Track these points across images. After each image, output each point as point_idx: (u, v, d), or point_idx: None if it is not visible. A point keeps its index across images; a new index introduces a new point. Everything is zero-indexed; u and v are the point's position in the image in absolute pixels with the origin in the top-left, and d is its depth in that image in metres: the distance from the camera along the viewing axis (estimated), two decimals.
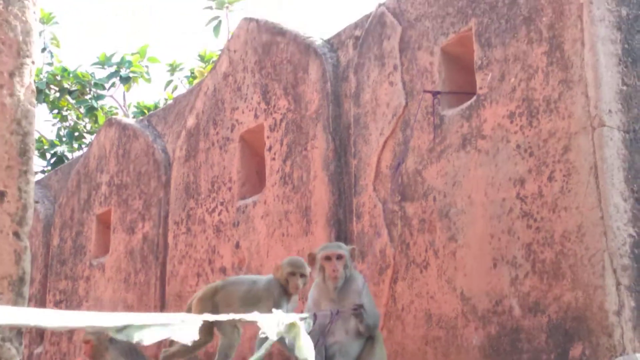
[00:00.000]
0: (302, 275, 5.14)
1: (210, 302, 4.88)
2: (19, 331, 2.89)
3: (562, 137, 5.15)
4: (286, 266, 5.07)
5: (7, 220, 2.89)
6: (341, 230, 6.42)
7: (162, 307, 7.63)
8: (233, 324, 4.35)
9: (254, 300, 4.48)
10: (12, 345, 2.88)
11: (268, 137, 7.10)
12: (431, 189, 5.83)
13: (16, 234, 2.91)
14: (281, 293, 5.04)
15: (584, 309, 4.81)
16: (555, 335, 4.91)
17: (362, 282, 5.06)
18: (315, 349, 4.75)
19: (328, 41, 7.06)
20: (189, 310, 4.40)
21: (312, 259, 5.12)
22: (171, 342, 4.26)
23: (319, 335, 4.86)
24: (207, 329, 4.26)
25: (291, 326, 3.40)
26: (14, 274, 2.90)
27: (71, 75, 14.66)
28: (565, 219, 5.01)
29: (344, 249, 5.12)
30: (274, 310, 3.87)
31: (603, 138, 4.95)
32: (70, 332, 8.46)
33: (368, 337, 5.03)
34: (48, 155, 15.24)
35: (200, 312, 4.23)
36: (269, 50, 7.28)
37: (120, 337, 2.46)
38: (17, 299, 2.83)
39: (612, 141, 4.97)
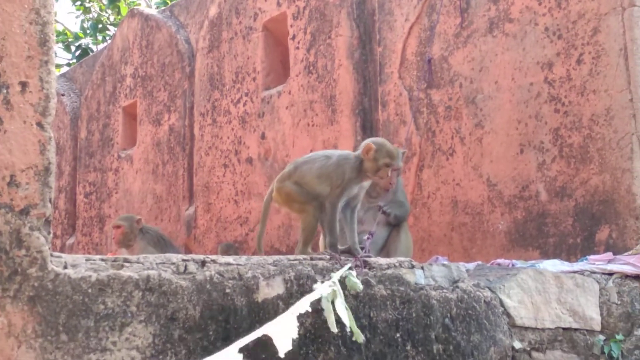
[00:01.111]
0: (397, 170, 4.67)
1: (291, 183, 4.12)
2: (47, 220, 2.93)
3: (591, 19, 5.02)
4: (384, 155, 4.04)
5: (30, 111, 2.89)
6: (366, 120, 6.39)
7: (190, 197, 7.70)
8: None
9: (325, 177, 4.08)
10: (41, 234, 2.92)
11: (291, 26, 6.99)
12: (457, 75, 5.75)
13: (40, 124, 2.91)
14: (355, 174, 4.06)
15: (611, 192, 4.79)
16: (582, 219, 4.91)
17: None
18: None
19: None
20: (267, 208, 4.22)
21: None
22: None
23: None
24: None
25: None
26: (39, 164, 2.91)
27: None
28: (594, 102, 4.94)
29: (401, 159, 4.81)
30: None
31: (633, 18, 4.83)
32: (102, 223, 8.60)
33: (394, 225, 5.06)
34: (73, 48, 15.19)
35: (287, 197, 4.08)
36: None
37: None
38: (43, 189, 2.85)
39: None
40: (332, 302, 3.28)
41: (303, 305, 3.11)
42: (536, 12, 5.32)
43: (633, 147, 4.71)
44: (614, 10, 4.91)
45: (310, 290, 3.38)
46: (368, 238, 4.41)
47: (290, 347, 2.86)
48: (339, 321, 3.40)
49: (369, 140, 4.12)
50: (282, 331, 2.90)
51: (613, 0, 4.91)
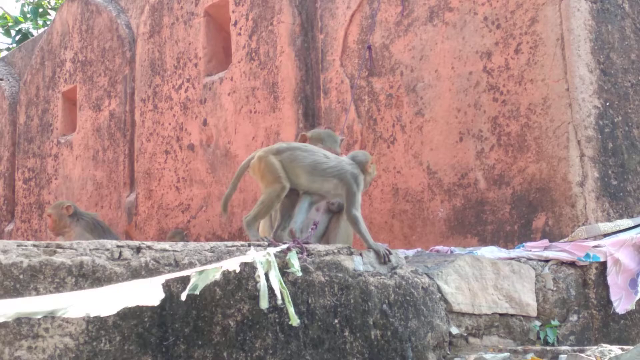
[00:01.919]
0: None
1: (275, 159, 4.13)
2: None
3: (529, 9, 5.08)
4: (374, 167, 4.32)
5: None
6: (308, 107, 6.38)
7: (131, 184, 7.62)
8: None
9: (317, 174, 4.06)
10: None
11: (233, 12, 6.94)
12: (398, 64, 5.77)
13: None
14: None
15: (547, 180, 4.86)
16: (519, 207, 4.97)
17: None
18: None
19: None
20: (241, 172, 4.19)
21: (303, 140, 4.88)
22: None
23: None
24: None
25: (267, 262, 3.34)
26: None
27: None
28: (531, 92, 5.00)
29: (339, 145, 5.07)
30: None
31: (570, 9, 4.90)
32: (41, 210, 8.46)
33: (335, 212, 5.06)
34: (13, 33, 14.87)
35: (265, 169, 4.04)
36: None
37: None
38: None
39: (579, 12, 4.91)
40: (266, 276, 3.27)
41: (232, 263, 3.10)
42: (475, 2, 5.36)
43: (569, 135, 4.78)
44: (551, 0, 4.97)
45: (249, 276, 3.37)
46: (312, 229, 4.41)
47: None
48: (277, 307, 3.40)
49: (365, 155, 4.25)
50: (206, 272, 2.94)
51: None
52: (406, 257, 4.31)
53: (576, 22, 4.90)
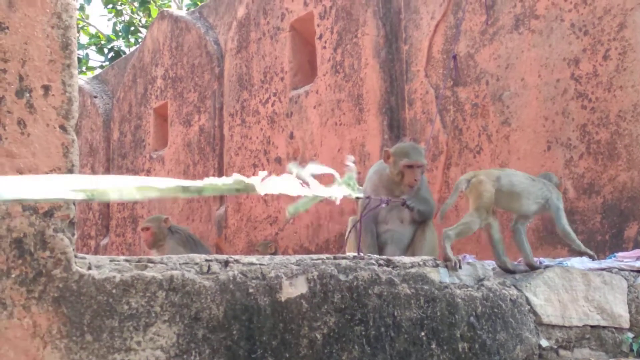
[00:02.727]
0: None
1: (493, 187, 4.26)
2: (71, 221, 2.97)
3: (617, 14, 4.98)
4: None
5: (52, 114, 2.93)
6: (393, 118, 6.38)
7: (220, 198, 7.75)
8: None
9: (532, 197, 4.37)
10: (65, 235, 2.96)
11: (318, 25, 7.01)
12: (484, 73, 5.73)
13: (62, 127, 2.95)
14: None
15: (639, 189, 4.74)
16: (610, 216, 4.87)
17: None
18: (367, 236, 4.82)
19: None
20: (458, 187, 4.40)
21: (387, 157, 4.93)
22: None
23: (371, 223, 4.90)
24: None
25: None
26: (62, 166, 2.95)
27: None
28: (621, 98, 4.90)
29: (424, 156, 4.96)
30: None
31: None
32: (135, 224, 8.68)
33: (419, 223, 5.03)
34: (105, 51, 15.34)
35: (481, 194, 4.25)
36: None
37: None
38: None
39: None
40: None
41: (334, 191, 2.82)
42: (562, 8, 5.28)
43: None
44: (639, 5, 4.87)
45: (335, 289, 3.40)
46: (384, 202, 4.45)
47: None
48: (363, 320, 3.41)
49: (555, 177, 4.51)
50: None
51: None
52: (493, 269, 4.27)
53: None
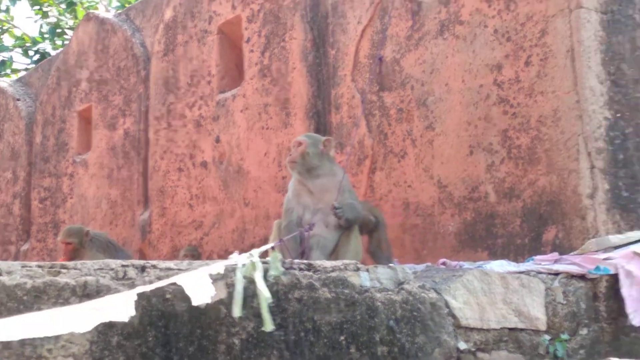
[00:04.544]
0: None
1: None
2: None
3: (539, 21, 5.07)
4: None
5: None
6: (320, 122, 6.38)
7: (145, 202, 7.65)
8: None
9: None
10: None
11: (246, 29, 6.98)
12: (409, 78, 5.77)
13: None
14: None
15: (558, 193, 4.83)
16: (530, 220, 4.95)
17: (341, 177, 5.05)
18: (291, 240, 4.81)
19: None
20: None
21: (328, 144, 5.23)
22: None
23: (295, 227, 4.91)
24: None
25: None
26: None
27: None
28: (542, 104, 4.98)
29: (309, 138, 5.15)
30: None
31: (580, 20, 4.88)
32: (56, 229, 8.51)
33: (345, 229, 5.04)
34: (31, 53, 15.03)
35: None
36: None
37: None
38: None
39: (590, 23, 4.89)
40: (246, 287, 3.25)
41: (217, 267, 3.11)
42: (486, 15, 5.35)
43: (579, 148, 4.76)
44: (561, 12, 4.96)
45: (254, 294, 3.37)
46: (307, 231, 4.44)
47: (206, 301, 2.86)
48: (282, 325, 3.39)
49: None
50: (196, 285, 2.93)
51: (560, 2, 4.96)
52: (415, 272, 4.29)
53: (586, 33, 4.88)
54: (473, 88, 5.36)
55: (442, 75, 5.56)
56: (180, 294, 3.26)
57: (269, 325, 3.21)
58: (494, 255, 5.02)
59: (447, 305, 3.96)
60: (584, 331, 4.28)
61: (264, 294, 3.24)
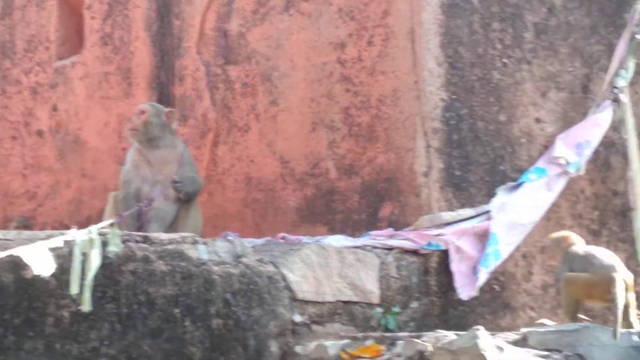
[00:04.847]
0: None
1: None
2: None
3: (382, 1, 5.16)
4: None
5: None
6: (163, 94, 6.27)
7: None
8: None
9: None
10: None
11: None
12: (254, 52, 5.75)
13: None
14: None
15: (395, 171, 4.95)
16: (368, 196, 5.05)
17: (182, 149, 5.01)
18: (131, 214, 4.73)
19: None
20: None
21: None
22: None
23: (132, 200, 4.83)
24: None
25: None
26: None
27: None
28: (383, 83, 5.09)
29: (151, 106, 5.07)
30: None
31: (421, 2, 5.00)
32: None
33: (185, 201, 5.01)
34: None
35: None
36: None
37: None
38: None
39: (430, 6, 5.02)
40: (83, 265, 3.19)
41: (56, 241, 3.03)
42: None
43: (417, 127, 4.89)
44: None
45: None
46: (146, 206, 4.38)
47: (49, 272, 2.76)
48: (115, 297, 3.34)
49: None
50: (35, 256, 2.86)
51: None
52: (254, 246, 4.31)
53: (426, 15, 5.00)
54: (317, 65, 5.40)
55: (287, 52, 5.57)
56: (6, 265, 3.14)
57: (87, 305, 3.16)
58: (333, 231, 5.10)
59: (284, 278, 4.00)
60: (415, 304, 4.43)
61: (93, 272, 3.18)
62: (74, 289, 3.14)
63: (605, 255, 4.13)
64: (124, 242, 3.51)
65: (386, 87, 5.07)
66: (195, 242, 3.79)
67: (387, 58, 5.08)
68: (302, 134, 5.42)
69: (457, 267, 4.54)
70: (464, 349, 3.29)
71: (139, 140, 4.94)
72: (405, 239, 4.55)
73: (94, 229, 3.34)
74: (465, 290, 4.49)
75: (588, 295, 4.07)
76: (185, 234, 3.85)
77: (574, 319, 4.06)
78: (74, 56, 6.76)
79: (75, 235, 3.24)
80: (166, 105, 5.97)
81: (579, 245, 4.27)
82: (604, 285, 3.93)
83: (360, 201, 5.07)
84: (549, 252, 4.38)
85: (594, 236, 5.22)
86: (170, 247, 3.67)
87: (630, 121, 5.18)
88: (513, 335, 3.69)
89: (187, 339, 3.52)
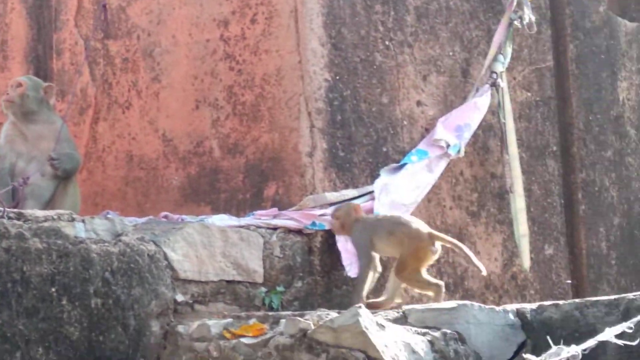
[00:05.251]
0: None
1: None
2: None
3: None
4: None
5: None
6: (40, 68, 6.07)
7: None
8: None
9: None
10: None
11: None
12: (135, 27, 5.62)
13: None
14: None
15: (279, 150, 4.95)
16: (252, 176, 5.03)
17: (60, 125, 4.88)
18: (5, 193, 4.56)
19: None
20: None
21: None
22: None
23: (7, 176, 4.67)
24: None
25: None
26: None
27: None
28: (266, 62, 5.06)
29: (29, 79, 4.91)
30: None
31: None
32: None
33: (62, 178, 4.88)
34: None
35: None
36: None
37: None
38: None
39: None
40: None
41: None
42: None
43: (300, 107, 4.90)
44: None
45: None
46: (21, 185, 4.24)
47: None
48: None
49: None
50: None
51: None
52: (135, 225, 4.23)
53: None
54: (200, 42, 5.33)
55: (168, 27, 5.47)
56: None
57: None
58: (217, 210, 5.05)
59: (166, 257, 3.94)
60: (298, 284, 4.45)
61: None
62: None
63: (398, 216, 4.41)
64: None
65: (270, 66, 5.05)
66: (72, 220, 3.69)
67: (271, 37, 5.06)
68: (185, 112, 5.35)
69: (344, 246, 4.57)
70: (345, 326, 3.32)
71: (14, 113, 4.78)
72: (289, 219, 4.56)
73: None
74: (353, 268, 4.52)
75: (423, 259, 4.24)
76: (62, 211, 3.74)
77: (429, 283, 4.24)
78: None
79: None
80: (44, 79, 5.78)
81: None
82: (427, 242, 4.20)
83: (244, 180, 5.04)
84: (337, 225, 4.45)
85: (472, 217, 5.37)
86: (46, 224, 3.56)
87: (507, 106, 5.34)
88: (393, 314, 3.75)
89: (64, 319, 3.42)
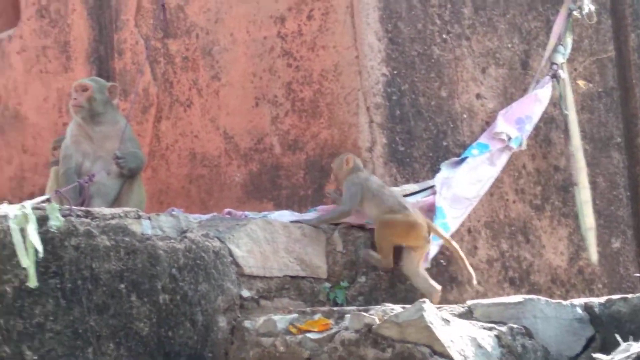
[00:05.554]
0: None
1: None
2: None
3: None
4: None
5: None
6: (102, 68, 6.17)
7: None
8: None
9: None
10: None
11: None
12: (194, 26, 5.68)
13: None
14: None
15: (339, 146, 4.96)
16: (312, 172, 5.06)
17: (124, 125, 4.96)
18: (70, 189, 4.65)
19: None
20: None
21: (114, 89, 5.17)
22: None
23: (74, 175, 4.76)
24: None
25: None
26: None
27: None
28: (324, 58, 5.08)
29: (94, 81, 4.98)
30: None
31: None
32: None
33: (128, 177, 4.96)
34: None
35: None
36: None
37: None
38: None
39: None
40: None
41: None
42: None
43: (359, 102, 4.91)
44: None
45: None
46: (86, 182, 4.32)
47: None
48: (58, 273, 3.29)
49: None
50: None
51: None
52: (200, 222, 4.28)
53: None
54: (257, 39, 5.36)
55: (226, 25, 5.51)
56: None
57: (33, 281, 3.13)
58: (279, 206, 5.09)
59: (230, 253, 3.99)
60: (362, 279, 4.46)
61: (36, 247, 3.14)
62: (25, 263, 3.10)
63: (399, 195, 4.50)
64: (64, 216, 3.45)
65: (327, 62, 5.07)
66: (138, 217, 3.75)
67: (328, 33, 5.07)
68: (245, 109, 5.39)
69: None
70: (410, 321, 3.32)
71: (83, 117, 4.87)
72: None
73: (28, 204, 3.28)
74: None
75: (405, 237, 4.35)
76: (129, 209, 3.80)
77: (391, 261, 4.34)
78: (10, 29, 6.62)
79: (7, 210, 3.18)
80: (106, 80, 5.87)
81: (362, 169, 4.55)
82: (421, 228, 4.33)
83: (305, 177, 5.07)
84: (332, 176, 4.63)
85: (537, 211, 5.31)
86: (113, 222, 3.62)
87: (569, 97, 5.27)
88: (458, 308, 3.74)
89: (133, 315, 3.49)
